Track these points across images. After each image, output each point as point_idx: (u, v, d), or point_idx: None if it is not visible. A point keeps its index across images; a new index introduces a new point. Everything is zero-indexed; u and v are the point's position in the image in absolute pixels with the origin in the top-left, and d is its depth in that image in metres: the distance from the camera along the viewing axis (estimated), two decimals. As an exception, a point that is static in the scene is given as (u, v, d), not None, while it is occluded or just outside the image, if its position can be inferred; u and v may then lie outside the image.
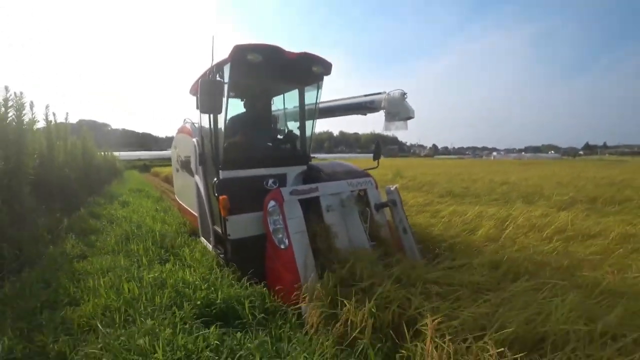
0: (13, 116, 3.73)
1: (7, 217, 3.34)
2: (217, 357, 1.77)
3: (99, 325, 1.97)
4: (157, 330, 1.91)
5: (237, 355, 1.78)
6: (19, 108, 3.87)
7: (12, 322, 2.10)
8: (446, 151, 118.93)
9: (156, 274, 2.79)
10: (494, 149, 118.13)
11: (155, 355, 1.72)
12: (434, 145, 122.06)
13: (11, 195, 3.54)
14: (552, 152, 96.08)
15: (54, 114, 5.87)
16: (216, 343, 1.87)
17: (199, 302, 2.33)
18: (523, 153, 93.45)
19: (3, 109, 3.50)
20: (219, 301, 2.37)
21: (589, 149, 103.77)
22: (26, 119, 3.92)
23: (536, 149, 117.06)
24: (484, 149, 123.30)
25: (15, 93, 3.86)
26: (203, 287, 2.55)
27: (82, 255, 3.61)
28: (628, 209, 5.52)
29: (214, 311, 2.31)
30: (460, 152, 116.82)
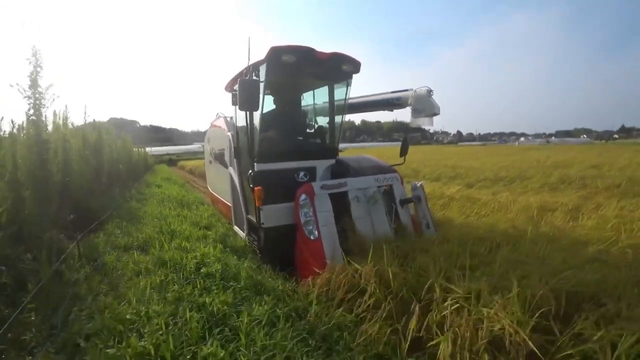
0: (97, 137, 6.64)
1: (98, 190, 6.22)
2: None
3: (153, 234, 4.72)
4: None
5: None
6: (99, 129, 6.78)
7: (126, 225, 4.86)
8: (471, 137, 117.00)
9: (179, 211, 5.57)
10: (523, 135, 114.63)
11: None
12: (458, 132, 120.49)
13: (99, 180, 6.44)
14: (584, 136, 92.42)
15: (93, 119, 8.42)
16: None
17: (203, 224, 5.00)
18: (553, 138, 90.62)
19: (97, 133, 6.39)
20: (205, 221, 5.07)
21: (625, 131, 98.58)
22: (104, 136, 6.84)
23: (567, 133, 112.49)
24: (512, 134, 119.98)
25: (94, 119, 6.77)
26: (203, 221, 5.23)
27: (140, 207, 6.46)
28: (514, 186, 7.70)
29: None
30: (486, 138, 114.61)
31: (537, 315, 1.98)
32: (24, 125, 3.77)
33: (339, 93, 4.22)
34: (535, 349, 1.82)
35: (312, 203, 3.16)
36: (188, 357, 1.68)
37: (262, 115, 3.74)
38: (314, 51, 3.49)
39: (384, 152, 16.90)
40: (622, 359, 1.68)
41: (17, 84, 3.58)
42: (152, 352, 1.72)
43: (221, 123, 4.95)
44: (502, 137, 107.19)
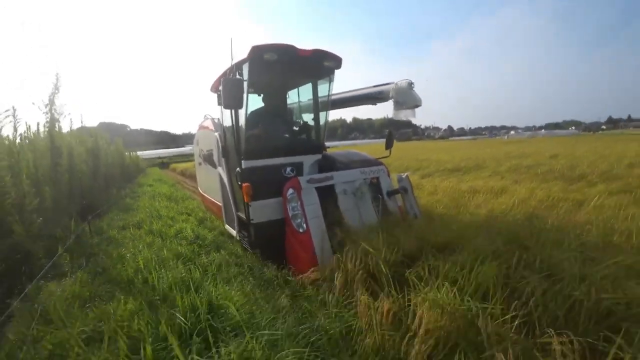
0: (94, 143, 7.63)
1: (97, 189, 7.22)
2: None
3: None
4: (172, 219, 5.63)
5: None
6: (96, 136, 7.77)
7: (122, 214, 5.89)
8: (462, 132, 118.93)
9: (167, 204, 6.60)
10: (514, 128, 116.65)
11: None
12: (449, 127, 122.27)
13: (97, 181, 7.45)
14: (573, 128, 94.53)
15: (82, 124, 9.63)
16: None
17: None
18: (543, 131, 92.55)
19: (94, 139, 7.38)
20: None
21: (612, 122, 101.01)
22: (101, 142, 7.83)
23: (556, 126, 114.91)
24: (503, 128, 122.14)
25: (83, 124, 7.75)
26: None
27: (134, 202, 7.49)
28: (467, 175, 8.82)
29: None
30: (476, 132, 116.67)
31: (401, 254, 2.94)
32: (41, 134, 4.78)
33: (323, 89, 4.33)
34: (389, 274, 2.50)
35: (299, 197, 3.24)
36: (166, 272, 2.76)
37: (248, 114, 3.88)
38: (295, 48, 3.60)
39: (375, 148, 17.97)
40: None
41: (35, 103, 4.61)
42: (142, 267, 2.85)
43: (209, 124, 5.10)
44: (493, 131, 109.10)
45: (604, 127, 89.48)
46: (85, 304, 2.29)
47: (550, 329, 1.80)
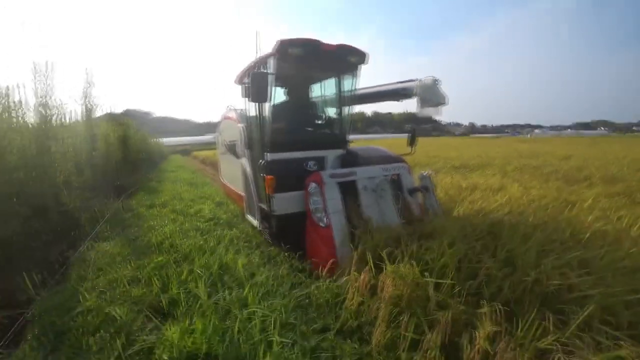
0: (124, 131, 8.37)
1: (126, 172, 7.97)
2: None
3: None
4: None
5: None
6: (125, 125, 8.50)
7: (149, 195, 6.61)
8: (484, 129, 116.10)
9: (188, 188, 7.26)
10: (539, 127, 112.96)
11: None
12: (471, 124, 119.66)
13: (125, 165, 8.21)
14: (602, 128, 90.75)
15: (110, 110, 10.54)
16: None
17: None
18: (569, 130, 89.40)
19: (128, 130, 8.12)
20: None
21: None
22: (130, 131, 8.57)
23: (585, 126, 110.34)
24: (527, 126, 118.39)
25: (111, 111, 8.48)
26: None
27: (159, 185, 8.22)
28: (473, 173, 9.07)
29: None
30: (499, 130, 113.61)
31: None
32: (81, 120, 5.47)
33: (347, 84, 4.34)
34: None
35: (321, 191, 3.28)
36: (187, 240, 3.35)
37: (273, 107, 3.90)
38: (321, 43, 3.62)
39: (393, 143, 18.24)
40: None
41: (72, 97, 5.28)
42: (168, 235, 3.48)
43: (232, 115, 5.16)
44: (516, 129, 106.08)
45: (635, 128, 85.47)
46: (125, 259, 2.92)
47: (498, 304, 2.20)
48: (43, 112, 3.95)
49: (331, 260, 2.94)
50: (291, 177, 3.60)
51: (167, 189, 7.46)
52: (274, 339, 1.84)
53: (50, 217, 3.34)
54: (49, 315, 2.16)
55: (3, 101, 3.34)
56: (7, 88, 3.41)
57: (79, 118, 5.55)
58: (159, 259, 2.64)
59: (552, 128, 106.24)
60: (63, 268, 2.91)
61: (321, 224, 3.21)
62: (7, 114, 3.34)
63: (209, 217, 4.68)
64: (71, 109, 5.34)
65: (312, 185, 3.34)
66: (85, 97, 5.42)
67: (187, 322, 1.95)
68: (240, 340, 1.84)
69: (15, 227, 2.74)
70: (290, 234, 3.57)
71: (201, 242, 3.19)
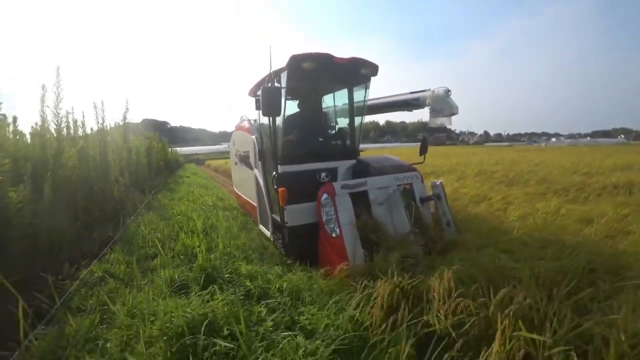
0: (149, 143, 10.49)
1: (149, 177, 10.03)
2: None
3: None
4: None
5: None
6: (150, 138, 10.63)
7: (168, 192, 8.63)
8: (499, 138, 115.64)
9: (200, 190, 9.26)
10: (556, 135, 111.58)
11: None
12: (486, 132, 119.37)
13: (150, 171, 10.29)
14: (622, 136, 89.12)
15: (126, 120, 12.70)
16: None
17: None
18: (588, 138, 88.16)
19: (148, 141, 10.24)
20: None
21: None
22: (153, 142, 10.68)
23: (605, 134, 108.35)
24: (544, 134, 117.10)
25: (128, 121, 10.62)
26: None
27: (176, 186, 10.26)
28: (456, 177, 10.66)
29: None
30: (514, 139, 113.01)
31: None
32: (121, 136, 7.52)
33: (358, 95, 4.43)
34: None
35: (333, 202, 3.32)
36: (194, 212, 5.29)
37: (285, 119, 3.96)
38: (333, 57, 3.68)
39: (402, 152, 19.60)
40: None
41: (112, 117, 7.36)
42: (194, 216, 5.33)
43: (246, 126, 5.27)
44: (532, 138, 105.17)
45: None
46: (158, 220, 4.89)
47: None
48: (101, 135, 5.95)
49: (343, 268, 3.00)
50: (303, 189, 3.68)
51: (182, 189, 9.50)
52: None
53: (109, 202, 5.30)
54: (125, 240, 4.14)
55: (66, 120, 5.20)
56: (68, 111, 5.17)
57: (120, 135, 7.60)
58: (177, 217, 4.59)
59: (571, 136, 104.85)
60: (124, 226, 4.87)
61: (333, 235, 3.28)
62: (74, 132, 5.30)
63: (210, 204, 6.68)
64: (112, 125, 7.38)
65: (324, 196, 3.42)
66: (125, 120, 7.47)
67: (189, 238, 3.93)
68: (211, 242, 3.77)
69: (94, 205, 4.68)
70: (302, 244, 3.63)
71: (203, 215, 5.16)
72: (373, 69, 4.05)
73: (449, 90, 4.51)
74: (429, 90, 4.73)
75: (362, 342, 2.02)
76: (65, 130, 4.58)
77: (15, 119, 4.03)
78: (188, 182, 11.64)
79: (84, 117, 5.66)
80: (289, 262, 3.62)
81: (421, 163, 4.48)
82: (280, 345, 1.85)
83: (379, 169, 4.06)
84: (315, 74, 3.67)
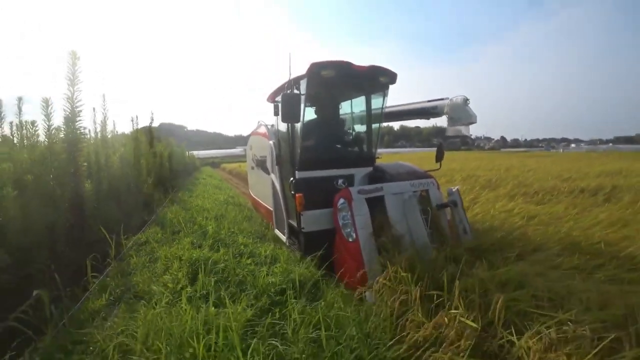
0: (171, 149, 11.98)
1: (172, 177, 11.48)
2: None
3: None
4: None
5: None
6: (171, 146, 12.12)
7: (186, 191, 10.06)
8: (516, 143, 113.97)
9: (214, 190, 10.65)
10: (577, 140, 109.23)
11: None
12: (502, 138, 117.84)
13: (172, 173, 11.76)
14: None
15: (151, 123, 14.24)
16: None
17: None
18: (610, 145, 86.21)
19: (174, 148, 11.73)
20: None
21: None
22: (175, 148, 12.17)
23: (628, 140, 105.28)
24: (563, 140, 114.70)
25: (151, 124, 12.12)
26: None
27: (193, 187, 11.72)
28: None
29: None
30: (532, 144, 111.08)
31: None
32: (147, 142, 8.95)
33: (376, 103, 4.46)
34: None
35: (350, 207, 3.37)
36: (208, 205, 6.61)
37: (303, 126, 4.00)
38: (352, 65, 3.73)
39: (413, 157, 20.51)
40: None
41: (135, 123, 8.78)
42: (208, 207, 6.73)
43: (263, 131, 5.36)
44: (550, 144, 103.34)
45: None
46: (182, 213, 6.20)
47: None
48: (136, 142, 7.35)
49: (359, 273, 3.07)
50: (320, 195, 3.74)
51: (199, 189, 10.98)
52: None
53: (141, 196, 6.67)
54: (156, 222, 5.51)
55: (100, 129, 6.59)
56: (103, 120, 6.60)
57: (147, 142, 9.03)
58: (195, 208, 5.93)
59: (591, 142, 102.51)
60: (155, 213, 6.25)
61: (349, 239, 3.34)
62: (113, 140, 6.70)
63: (222, 201, 8.02)
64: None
65: (341, 200, 3.47)
66: (150, 131, 8.91)
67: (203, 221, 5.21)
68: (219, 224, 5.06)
69: (130, 198, 6.03)
70: (318, 250, 3.64)
71: (214, 207, 6.46)
72: (392, 77, 4.11)
73: (467, 99, 4.54)
74: (447, 98, 4.80)
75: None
76: (110, 139, 6.00)
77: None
78: (204, 183, 13.10)
79: (114, 125, 7.11)
80: (281, 245, 4.36)
81: (437, 170, 4.52)
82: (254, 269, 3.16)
83: (395, 176, 4.16)
84: (334, 81, 3.75)
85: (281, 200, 4.44)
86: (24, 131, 3.37)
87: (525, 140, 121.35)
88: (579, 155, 33.52)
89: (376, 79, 4.04)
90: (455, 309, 2.26)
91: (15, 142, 3.33)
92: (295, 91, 3.81)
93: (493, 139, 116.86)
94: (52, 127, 3.53)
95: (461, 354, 2.01)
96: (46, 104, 3.44)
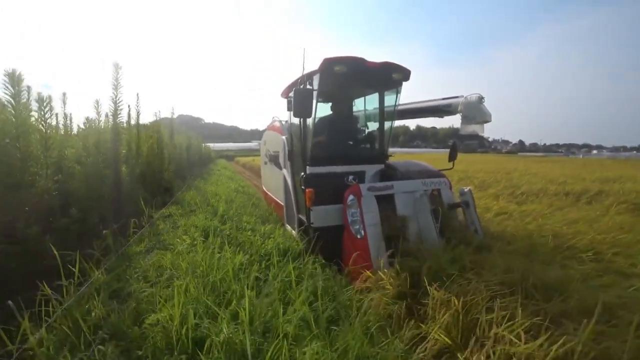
0: (188, 140, 13.08)
1: (189, 167, 12.58)
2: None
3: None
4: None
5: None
6: (189, 137, 13.23)
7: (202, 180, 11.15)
8: (534, 148, 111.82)
9: (228, 181, 11.72)
10: (599, 147, 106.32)
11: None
12: (520, 141, 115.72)
13: (188, 163, 12.86)
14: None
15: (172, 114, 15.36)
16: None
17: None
18: (634, 152, 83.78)
19: (188, 140, 12.84)
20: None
21: None
22: (192, 140, 13.29)
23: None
24: (585, 146, 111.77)
25: (172, 115, 13.22)
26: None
27: (208, 177, 12.84)
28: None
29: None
30: (551, 149, 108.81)
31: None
32: (169, 134, 10.02)
33: (389, 100, 4.44)
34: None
35: (359, 204, 3.35)
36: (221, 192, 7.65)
37: (315, 122, 3.99)
38: (365, 61, 3.71)
39: (428, 158, 21.31)
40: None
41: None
42: (220, 193, 7.78)
43: (277, 126, 5.42)
44: (571, 149, 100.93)
45: None
46: (197, 196, 7.23)
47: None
48: (159, 134, 8.40)
49: (367, 270, 3.07)
50: (330, 191, 3.73)
51: (213, 179, 12.05)
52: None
53: (163, 182, 7.71)
54: (176, 202, 6.53)
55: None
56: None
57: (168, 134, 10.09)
58: (208, 193, 6.97)
59: (614, 149, 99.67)
60: (174, 196, 7.22)
61: (358, 236, 3.34)
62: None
63: (232, 189, 9.01)
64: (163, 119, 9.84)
65: (351, 197, 3.46)
66: (172, 126, 9.98)
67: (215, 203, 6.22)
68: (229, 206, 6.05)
69: (155, 183, 7.06)
70: (327, 245, 3.65)
71: (225, 193, 7.48)
72: (405, 74, 4.08)
73: (482, 97, 4.47)
74: (461, 96, 4.71)
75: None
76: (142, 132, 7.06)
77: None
78: (218, 174, 14.20)
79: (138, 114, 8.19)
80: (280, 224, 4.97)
81: (450, 169, 4.44)
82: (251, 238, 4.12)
83: (406, 174, 4.16)
84: (347, 77, 3.76)
85: (292, 195, 4.51)
86: (82, 125, 4.44)
87: (545, 144, 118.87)
88: (594, 162, 33.17)
89: (389, 76, 4.03)
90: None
91: (73, 132, 4.35)
92: (308, 86, 3.87)
93: (510, 142, 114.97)
94: (101, 121, 4.55)
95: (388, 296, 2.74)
96: (97, 104, 4.49)
